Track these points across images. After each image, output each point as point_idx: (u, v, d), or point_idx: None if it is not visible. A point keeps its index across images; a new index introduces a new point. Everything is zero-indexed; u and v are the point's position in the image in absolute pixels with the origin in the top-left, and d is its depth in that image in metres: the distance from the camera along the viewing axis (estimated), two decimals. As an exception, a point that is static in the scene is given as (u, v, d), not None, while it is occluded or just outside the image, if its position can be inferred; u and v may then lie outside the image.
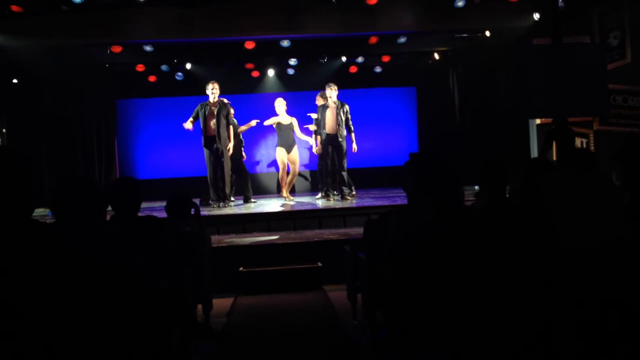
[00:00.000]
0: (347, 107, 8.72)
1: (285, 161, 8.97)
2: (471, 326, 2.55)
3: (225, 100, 8.52)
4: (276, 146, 9.05)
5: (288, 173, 9.07)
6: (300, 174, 11.24)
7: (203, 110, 8.34)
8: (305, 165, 11.34)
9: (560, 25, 4.59)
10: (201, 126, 8.37)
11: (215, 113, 8.32)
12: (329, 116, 8.64)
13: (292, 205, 8.44)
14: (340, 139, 8.60)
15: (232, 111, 8.95)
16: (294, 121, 9.02)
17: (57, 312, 2.08)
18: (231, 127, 8.58)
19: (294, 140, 9.01)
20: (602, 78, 4.63)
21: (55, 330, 2.07)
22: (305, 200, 9.21)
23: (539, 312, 2.59)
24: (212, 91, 8.30)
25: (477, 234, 2.82)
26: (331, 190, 8.87)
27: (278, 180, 9.73)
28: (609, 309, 2.48)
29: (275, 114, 8.95)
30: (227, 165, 8.49)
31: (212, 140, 8.34)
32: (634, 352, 2.38)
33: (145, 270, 2.83)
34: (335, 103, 8.64)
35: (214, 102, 8.30)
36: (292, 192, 9.38)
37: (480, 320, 2.56)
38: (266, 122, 9.01)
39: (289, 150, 8.96)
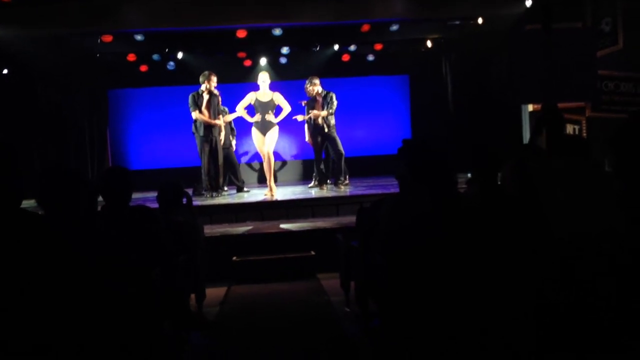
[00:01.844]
0: (332, 94, 8.68)
1: (264, 147, 8.30)
2: (464, 315, 2.55)
3: (216, 91, 8.48)
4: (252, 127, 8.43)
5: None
6: (290, 163, 11.26)
7: (199, 100, 8.32)
8: (295, 155, 11.33)
9: (551, 11, 4.58)
10: (197, 116, 8.34)
11: (210, 103, 8.31)
12: (317, 108, 8.66)
13: (285, 194, 8.42)
14: (327, 130, 8.60)
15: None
16: (276, 96, 8.38)
17: (47, 302, 2.07)
18: (220, 116, 8.57)
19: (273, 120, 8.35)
20: (593, 63, 4.63)
21: (45, 321, 2.06)
22: (298, 189, 9.19)
23: (531, 301, 2.60)
24: (213, 83, 8.27)
25: (469, 222, 2.82)
26: (324, 179, 8.89)
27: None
28: (601, 299, 2.48)
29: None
30: (220, 155, 8.49)
31: (207, 130, 8.33)
32: (627, 342, 2.39)
33: (137, 261, 2.81)
34: (320, 95, 8.64)
35: (208, 92, 8.27)
36: (283, 181, 9.22)
37: (473, 310, 2.56)
38: (241, 105, 8.46)
39: (264, 132, 8.29)
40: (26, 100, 9.59)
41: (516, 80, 4.63)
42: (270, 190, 8.28)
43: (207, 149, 8.34)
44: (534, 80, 4.46)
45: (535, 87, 4.47)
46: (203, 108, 8.26)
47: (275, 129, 8.36)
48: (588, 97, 5.81)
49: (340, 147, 8.66)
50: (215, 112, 8.38)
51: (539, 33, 4.55)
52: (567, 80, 4.41)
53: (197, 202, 7.57)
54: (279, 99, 8.40)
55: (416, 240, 2.73)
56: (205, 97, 8.25)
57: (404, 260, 2.75)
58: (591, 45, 4.79)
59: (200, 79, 8.28)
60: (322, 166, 8.97)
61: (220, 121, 8.51)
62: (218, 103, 8.51)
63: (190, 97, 8.33)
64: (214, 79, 8.29)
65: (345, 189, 8.60)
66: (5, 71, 9.35)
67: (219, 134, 8.50)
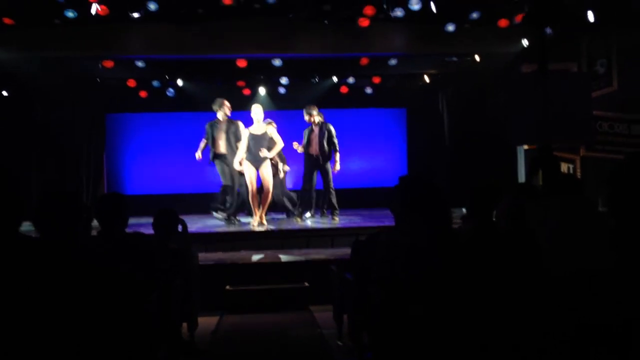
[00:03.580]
0: (330, 126, 8.68)
1: (255, 179, 8.07)
2: (457, 350, 2.56)
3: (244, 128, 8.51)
4: (244, 159, 8.13)
5: (259, 192, 8.17)
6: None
7: (213, 129, 8.46)
8: (291, 186, 11.32)
9: (547, 53, 4.66)
10: (209, 144, 8.49)
11: (225, 131, 8.42)
12: (313, 138, 8.66)
13: (280, 224, 8.41)
14: (322, 161, 8.62)
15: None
16: (270, 129, 8.20)
17: (43, 327, 2.07)
18: (239, 144, 8.49)
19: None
20: (588, 106, 4.71)
21: (41, 347, 2.05)
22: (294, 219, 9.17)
23: (527, 337, 2.60)
24: (227, 110, 8.44)
25: (463, 258, 2.83)
26: (308, 208, 8.85)
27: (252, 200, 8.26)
28: (594, 335, 2.49)
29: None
30: (237, 179, 8.53)
31: (221, 158, 8.44)
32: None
33: (132, 287, 2.81)
34: (317, 125, 8.67)
35: (224, 121, 8.41)
36: (276, 211, 9.17)
37: (467, 345, 2.56)
38: (243, 149, 8.09)
39: (257, 166, 8.03)
40: (25, 121, 9.63)
41: (512, 122, 4.70)
42: (261, 220, 8.17)
43: (227, 172, 8.42)
44: (530, 122, 4.53)
45: (531, 128, 4.54)
46: (219, 136, 8.39)
47: (267, 162, 8.18)
48: (583, 138, 5.88)
49: (331, 182, 8.67)
50: (229, 141, 8.42)
51: (533, 75, 4.64)
52: (563, 122, 4.48)
53: (192, 229, 7.52)
54: (272, 132, 8.23)
55: (411, 275, 2.75)
56: (223, 125, 8.39)
57: (398, 294, 2.76)
58: (586, 88, 4.89)
59: (214, 107, 8.42)
60: (308, 198, 8.88)
61: (231, 148, 8.37)
62: (236, 131, 8.41)
63: (207, 125, 8.51)
64: (227, 104, 8.45)
65: (338, 220, 8.58)
66: (4, 93, 9.38)
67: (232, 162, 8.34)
